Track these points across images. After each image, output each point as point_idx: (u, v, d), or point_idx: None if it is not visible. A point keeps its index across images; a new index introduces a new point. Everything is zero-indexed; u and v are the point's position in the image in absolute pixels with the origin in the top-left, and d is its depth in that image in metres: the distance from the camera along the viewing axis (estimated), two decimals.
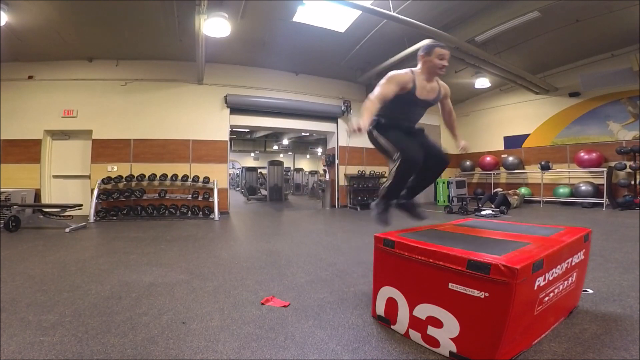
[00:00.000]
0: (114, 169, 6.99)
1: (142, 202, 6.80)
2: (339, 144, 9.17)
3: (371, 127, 2.25)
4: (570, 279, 1.71)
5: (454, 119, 2.52)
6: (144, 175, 6.96)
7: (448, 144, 11.72)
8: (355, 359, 1.49)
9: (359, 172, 9.21)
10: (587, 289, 2.22)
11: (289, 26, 6.01)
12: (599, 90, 7.85)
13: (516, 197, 8.12)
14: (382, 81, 2.13)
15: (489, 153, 10.25)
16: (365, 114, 1.96)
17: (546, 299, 1.51)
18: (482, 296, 1.33)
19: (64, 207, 5.30)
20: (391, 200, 2.32)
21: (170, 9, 5.30)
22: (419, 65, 2.24)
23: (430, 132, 9.25)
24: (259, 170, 16.28)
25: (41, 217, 5.39)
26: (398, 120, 2.23)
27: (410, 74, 2.18)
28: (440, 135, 11.02)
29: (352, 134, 1.94)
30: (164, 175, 7.03)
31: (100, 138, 7.02)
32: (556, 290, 1.58)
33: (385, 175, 9.58)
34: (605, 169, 7.48)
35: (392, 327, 1.74)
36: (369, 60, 7.59)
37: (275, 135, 20.17)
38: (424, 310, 1.56)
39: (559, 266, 1.56)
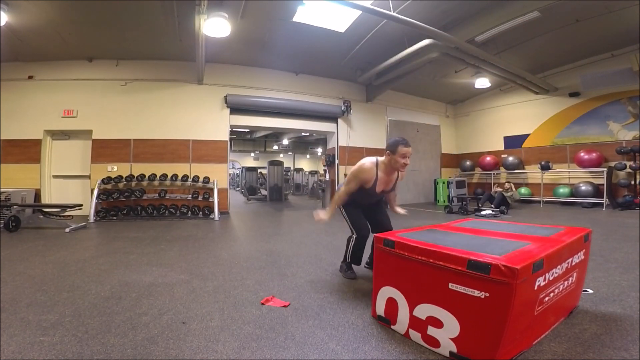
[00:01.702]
0: (114, 169, 6.99)
1: (142, 202, 6.80)
2: (339, 144, 9.17)
3: (340, 206, 2.75)
4: (570, 279, 1.71)
5: (394, 195, 2.89)
6: (144, 175, 6.96)
7: (448, 145, 11.71)
8: (355, 359, 1.49)
9: None
10: (587, 289, 2.22)
11: (289, 26, 6.01)
12: (599, 90, 7.84)
13: (506, 188, 7.80)
14: (349, 176, 2.57)
15: (489, 153, 10.25)
16: (332, 205, 2.60)
17: (546, 299, 1.51)
18: (483, 296, 1.33)
19: (64, 207, 5.30)
20: (353, 264, 2.77)
21: (170, 9, 5.30)
22: (385, 158, 2.50)
23: (430, 132, 9.27)
24: (259, 170, 16.28)
25: (41, 217, 5.39)
26: (357, 202, 2.66)
27: (374, 170, 2.49)
28: (440, 135, 11.05)
29: (318, 221, 2.55)
30: (164, 175, 7.03)
31: (100, 138, 7.01)
32: (556, 290, 1.58)
33: None
34: (605, 169, 7.48)
35: (392, 327, 1.74)
36: (369, 60, 7.58)
37: (275, 135, 20.18)
38: (424, 310, 1.56)
39: (559, 266, 1.56)
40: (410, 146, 2.42)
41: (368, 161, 2.52)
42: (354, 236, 2.66)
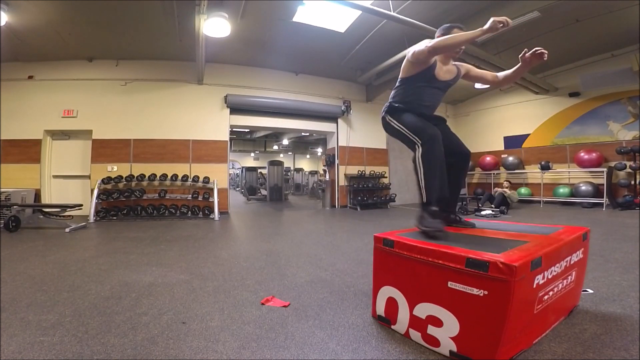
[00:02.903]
0: (114, 169, 6.99)
1: (142, 202, 6.80)
2: (339, 144, 9.17)
3: (384, 112, 2.19)
4: (569, 277, 1.71)
5: (495, 75, 2.29)
6: (144, 175, 6.96)
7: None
8: (355, 359, 1.49)
9: (359, 172, 9.21)
10: (587, 289, 2.22)
11: (289, 26, 6.01)
12: (599, 90, 7.85)
13: (507, 189, 7.90)
14: (416, 46, 1.99)
15: (489, 153, 10.25)
16: (466, 34, 1.87)
17: (545, 297, 1.51)
18: (482, 294, 1.33)
19: (64, 207, 5.30)
20: (441, 201, 1.91)
21: (170, 9, 5.31)
22: None
23: None
24: (259, 170, 16.29)
25: (41, 217, 5.39)
26: (414, 104, 2.07)
27: None
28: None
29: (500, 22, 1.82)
30: (164, 175, 7.03)
31: (100, 138, 7.02)
32: (555, 289, 1.58)
33: (386, 175, 9.58)
34: (605, 169, 7.48)
35: (392, 327, 1.74)
36: (369, 60, 7.59)
37: (275, 135, 20.18)
38: (423, 310, 1.56)
39: (557, 264, 1.56)
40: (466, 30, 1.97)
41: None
42: (420, 144, 1.90)
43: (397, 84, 2.21)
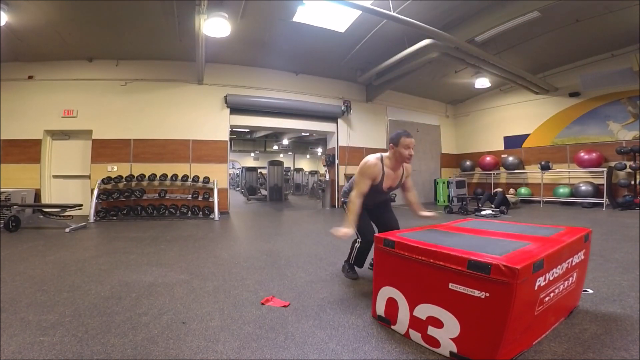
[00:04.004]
0: (114, 169, 6.99)
1: (142, 202, 6.80)
2: (339, 144, 9.17)
3: (343, 200, 2.71)
4: (570, 279, 1.71)
5: (413, 195, 2.70)
6: (144, 175, 6.96)
7: (448, 145, 11.70)
8: (355, 359, 1.49)
9: None
10: (587, 289, 2.22)
11: (289, 26, 6.01)
12: (599, 90, 7.84)
13: (513, 195, 8.27)
14: (358, 176, 2.42)
15: (489, 153, 10.25)
16: (351, 217, 2.33)
17: (546, 299, 1.51)
18: (483, 296, 1.33)
19: (64, 207, 5.30)
20: (356, 266, 2.72)
21: (170, 9, 5.30)
22: (389, 153, 2.45)
23: (430, 132, 9.25)
24: (259, 170, 16.28)
25: (41, 217, 5.39)
26: (363, 203, 2.44)
27: (379, 165, 2.40)
28: (440, 135, 11.05)
29: (341, 237, 2.25)
30: (164, 175, 7.02)
31: (100, 138, 7.01)
32: (556, 290, 1.58)
33: None
34: (605, 169, 7.48)
35: (393, 327, 1.74)
36: (369, 60, 7.58)
37: (275, 135, 20.18)
38: (424, 311, 1.56)
39: (559, 266, 1.56)
40: (412, 137, 2.39)
41: (372, 157, 2.44)
42: (359, 240, 2.57)
43: (352, 179, 2.66)
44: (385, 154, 2.48)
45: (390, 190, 2.56)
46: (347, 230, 2.24)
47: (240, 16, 5.50)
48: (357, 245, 2.61)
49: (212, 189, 7.18)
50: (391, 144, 2.41)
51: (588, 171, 7.95)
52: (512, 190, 8.63)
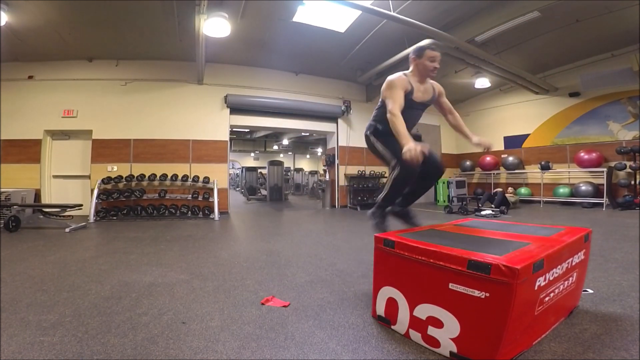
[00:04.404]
0: (114, 169, 6.99)
1: (142, 202, 6.80)
2: (339, 144, 9.17)
3: (368, 133, 2.36)
4: (570, 279, 1.71)
5: (457, 117, 2.48)
6: (144, 175, 6.96)
7: (448, 145, 11.70)
8: (355, 359, 1.49)
9: (359, 172, 9.21)
10: (587, 289, 2.22)
11: (289, 26, 6.01)
12: (599, 90, 7.84)
13: (512, 195, 8.31)
14: (387, 91, 2.14)
15: (489, 153, 10.24)
16: (401, 130, 1.96)
17: (546, 299, 1.51)
18: (483, 296, 1.33)
19: (64, 207, 5.30)
20: (387, 209, 2.35)
21: (170, 9, 5.30)
22: (411, 68, 2.28)
23: (430, 132, 9.25)
24: (259, 170, 16.28)
25: (41, 217, 5.39)
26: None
27: (405, 77, 2.22)
28: (440, 135, 11.05)
29: (414, 159, 1.84)
30: (164, 175, 7.03)
31: (100, 138, 7.02)
32: (556, 290, 1.58)
33: (386, 175, 9.58)
34: (605, 169, 7.48)
35: (392, 327, 1.73)
36: (369, 60, 7.59)
37: (275, 135, 20.17)
38: (424, 311, 1.56)
39: (559, 266, 1.56)
40: (439, 52, 2.22)
41: (393, 75, 2.21)
42: (397, 167, 2.13)
43: (380, 104, 2.31)
44: (406, 71, 2.28)
45: (423, 106, 2.33)
46: (412, 144, 1.85)
47: (240, 16, 5.50)
48: (395, 173, 2.15)
49: (212, 189, 7.18)
50: (413, 57, 2.23)
51: (588, 171, 7.95)
52: (510, 189, 8.61)
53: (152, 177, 6.96)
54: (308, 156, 27.78)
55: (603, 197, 7.47)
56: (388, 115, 2.06)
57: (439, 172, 2.35)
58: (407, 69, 2.32)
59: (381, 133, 2.24)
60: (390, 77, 2.19)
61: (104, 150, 7.00)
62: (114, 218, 6.47)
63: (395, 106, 2.06)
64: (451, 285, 1.43)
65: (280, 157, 24.74)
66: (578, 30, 6.32)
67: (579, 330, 1.67)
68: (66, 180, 7.08)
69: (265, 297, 2.22)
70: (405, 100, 2.13)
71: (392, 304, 1.73)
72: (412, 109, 2.25)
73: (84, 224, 5.54)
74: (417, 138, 2.27)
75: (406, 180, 2.16)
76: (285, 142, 21.10)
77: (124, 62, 7.24)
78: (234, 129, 9.64)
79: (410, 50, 2.27)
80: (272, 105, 8.17)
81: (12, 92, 6.71)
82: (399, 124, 1.99)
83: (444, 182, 9.32)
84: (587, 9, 5.58)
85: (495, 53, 6.91)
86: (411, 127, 2.29)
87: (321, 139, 17.73)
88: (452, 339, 1.44)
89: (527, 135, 9.51)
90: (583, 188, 7.79)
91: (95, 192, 6.48)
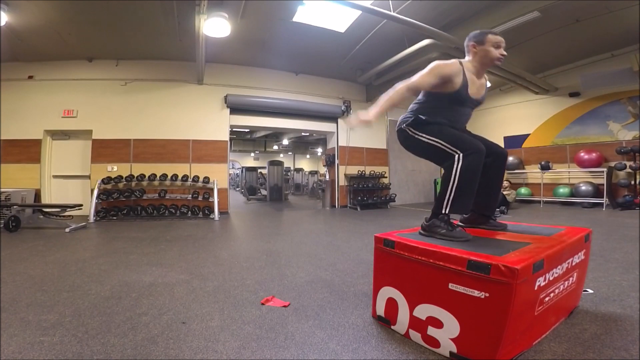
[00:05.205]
0: (114, 169, 6.99)
1: (142, 202, 6.80)
2: (339, 144, 9.17)
3: (404, 126, 1.94)
4: (570, 279, 1.71)
5: None
6: (144, 175, 6.96)
7: None
8: (355, 359, 1.49)
9: (359, 172, 9.20)
10: (588, 289, 2.22)
11: (289, 26, 6.01)
12: (599, 90, 7.84)
13: (508, 187, 8.22)
14: (424, 70, 1.80)
15: None
16: (381, 104, 1.69)
17: (547, 299, 1.51)
18: (483, 296, 1.33)
19: (64, 207, 5.30)
20: (463, 213, 1.89)
21: (170, 9, 5.30)
22: (469, 57, 1.93)
23: None
24: (259, 170, 16.29)
25: (41, 217, 5.39)
26: (446, 123, 1.86)
27: (459, 66, 1.85)
28: None
29: (356, 126, 1.67)
30: (164, 175, 7.03)
31: (100, 138, 7.02)
32: (557, 291, 1.58)
33: (385, 175, 9.58)
34: (605, 169, 7.48)
35: (392, 327, 1.73)
36: (369, 60, 7.58)
37: (275, 135, 20.19)
38: (424, 311, 1.56)
39: (559, 266, 1.56)
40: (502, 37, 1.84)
41: (446, 61, 1.85)
42: (462, 156, 1.70)
43: (422, 98, 1.98)
44: (463, 60, 1.93)
45: (475, 105, 1.97)
46: (365, 116, 1.63)
47: (240, 16, 5.50)
48: (457, 166, 1.70)
49: (212, 189, 7.18)
50: (472, 44, 1.90)
51: (588, 171, 7.94)
52: (506, 183, 8.22)
53: (152, 177, 6.96)
54: (308, 156, 27.80)
55: (603, 197, 7.47)
56: (398, 84, 1.77)
57: (502, 156, 1.99)
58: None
59: (429, 124, 1.86)
60: (439, 61, 1.83)
61: (104, 150, 7.00)
62: (114, 218, 6.47)
63: (407, 84, 1.77)
64: (451, 286, 1.43)
65: (280, 157, 24.76)
66: (578, 30, 6.31)
67: (579, 330, 1.67)
68: (66, 180, 7.08)
69: (265, 297, 2.22)
70: (457, 95, 1.82)
71: (392, 304, 1.73)
72: (465, 107, 1.92)
73: (84, 224, 5.54)
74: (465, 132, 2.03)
75: (476, 166, 1.71)
76: (285, 142, 21.12)
77: (124, 62, 7.24)
78: (234, 129, 9.63)
79: (470, 35, 1.92)
80: (272, 105, 8.17)
81: (12, 92, 6.71)
82: (390, 99, 1.73)
83: None
84: (587, 9, 5.58)
85: None
86: (463, 127, 2.01)
87: (321, 139, 17.74)
88: (452, 339, 1.44)
89: (527, 135, 9.50)
90: (583, 188, 7.79)
91: (95, 192, 6.48)
